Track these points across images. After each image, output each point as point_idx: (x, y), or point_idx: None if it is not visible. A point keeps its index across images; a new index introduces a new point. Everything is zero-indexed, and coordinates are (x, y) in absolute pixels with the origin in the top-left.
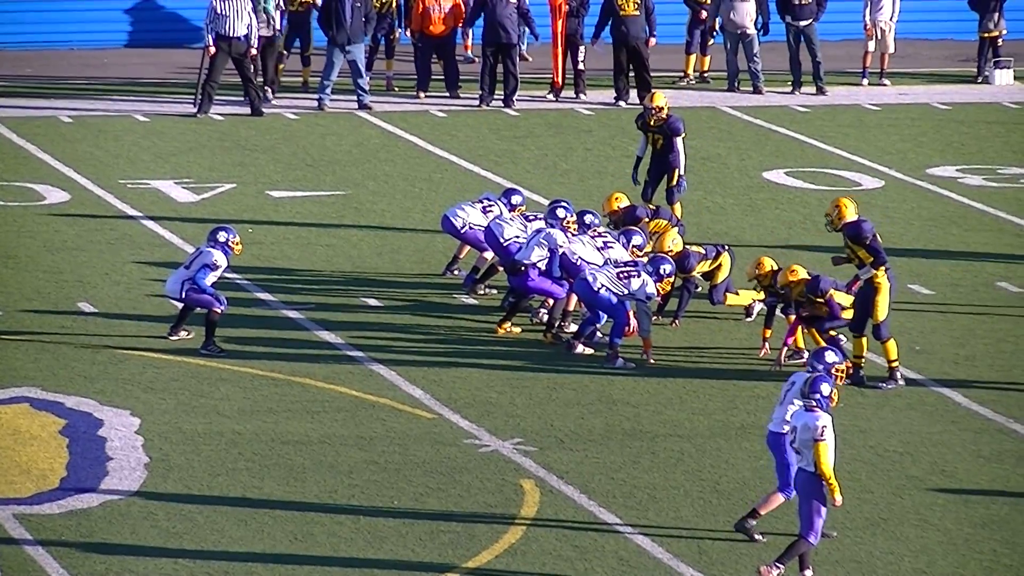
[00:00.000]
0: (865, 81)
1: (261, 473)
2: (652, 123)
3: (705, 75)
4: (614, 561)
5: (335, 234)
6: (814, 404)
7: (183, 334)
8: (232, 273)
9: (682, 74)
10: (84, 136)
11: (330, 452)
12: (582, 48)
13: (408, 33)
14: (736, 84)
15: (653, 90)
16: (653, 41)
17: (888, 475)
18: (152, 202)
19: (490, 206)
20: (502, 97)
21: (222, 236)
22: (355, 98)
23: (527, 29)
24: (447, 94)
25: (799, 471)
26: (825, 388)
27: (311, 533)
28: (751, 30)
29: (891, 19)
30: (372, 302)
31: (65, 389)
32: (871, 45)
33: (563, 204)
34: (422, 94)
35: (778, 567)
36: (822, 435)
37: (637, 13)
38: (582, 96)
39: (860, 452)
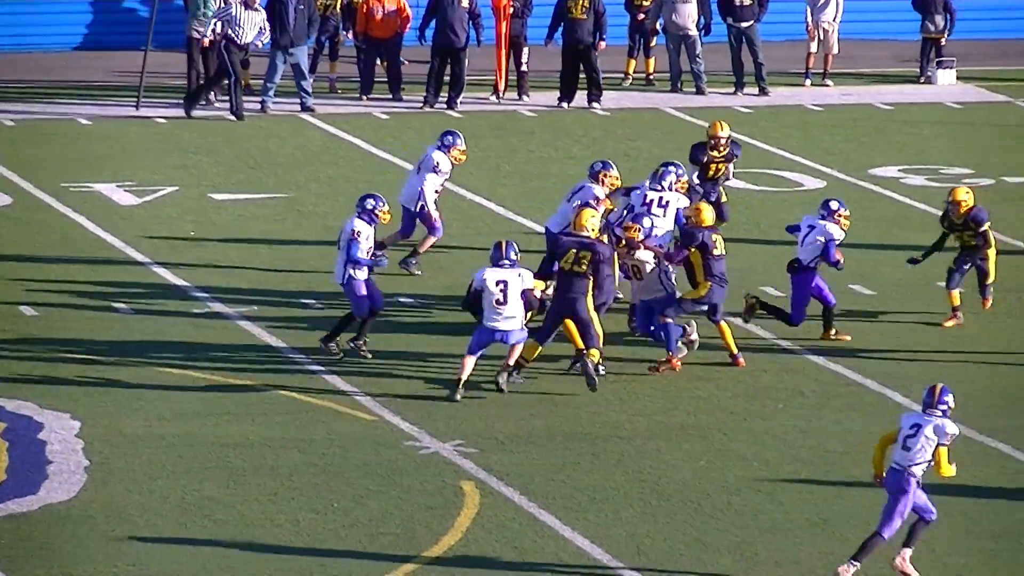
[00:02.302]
0: (808, 82)
1: (201, 476)
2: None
3: (651, 77)
4: (553, 561)
5: (277, 236)
6: (940, 413)
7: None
8: (172, 275)
9: (623, 75)
10: (27, 139)
11: (270, 455)
12: (525, 50)
13: (352, 35)
14: (679, 85)
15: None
16: (603, 44)
17: (829, 475)
18: (94, 205)
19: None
20: (446, 99)
21: (369, 203)
22: (298, 100)
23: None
24: (390, 96)
25: (892, 470)
26: (951, 399)
27: (251, 535)
28: (693, 31)
29: (834, 20)
30: (314, 304)
31: (5, 392)
32: (814, 46)
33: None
34: (364, 97)
35: (855, 564)
36: (950, 441)
37: (584, 17)
38: (525, 98)
39: (801, 452)
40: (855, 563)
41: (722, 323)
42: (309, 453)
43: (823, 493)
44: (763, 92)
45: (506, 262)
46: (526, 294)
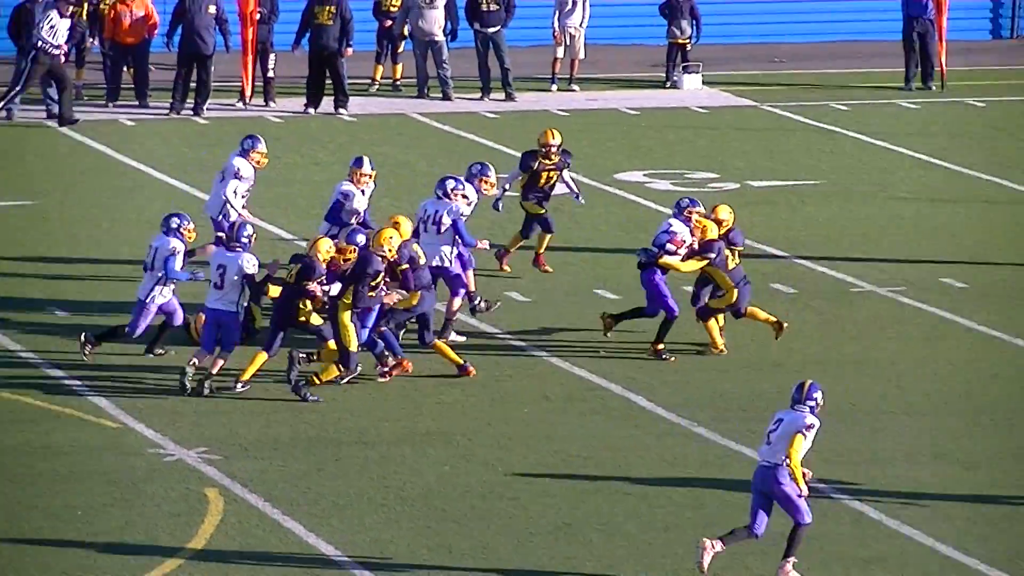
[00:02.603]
0: (554, 87)
1: None
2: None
3: (397, 83)
4: (298, 569)
5: (22, 244)
6: (808, 410)
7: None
8: None
9: (370, 81)
10: None
11: (13, 463)
12: (272, 56)
13: (98, 42)
14: (426, 91)
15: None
16: (350, 51)
17: (572, 480)
18: None
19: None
20: (192, 106)
21: (173, 222)
22: (44, 107)
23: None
24: (137, 103)
25: (760, 468)
26: (820, 396)
27: None
28: (440, 37)
29: (580, 25)
30: (59, 312)
31: None
32: (560, 51)
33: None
34: (111, 104)
35: (790, 559)
36: (807, 431)
37: (331, 23)
38: (272, 104)
39: (544, 457)
40: (789, 559)
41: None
42: (52, 461)
43: (567, 497)
44: (510, 97)
45: (236, 244)
46: (247, 279)
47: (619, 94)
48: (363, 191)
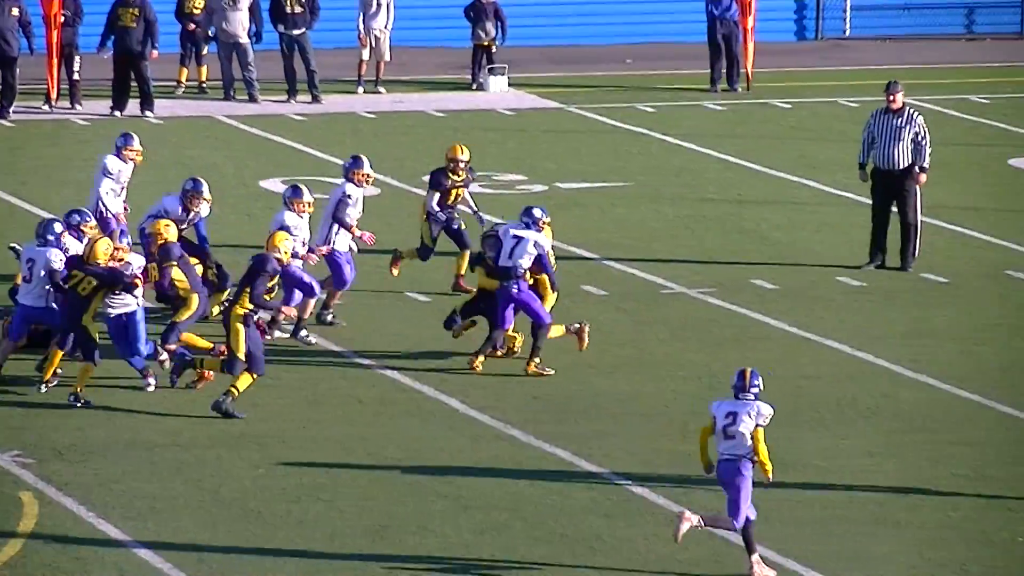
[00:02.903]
0: (360, 89)
1: None
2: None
3: (203, 85)
4: (115, 572)
5: None
6: (752, 397)
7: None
8: None
9: (176, 83)
10: None
11: None
12: (77, 58)
13: None
14: (232, 93)
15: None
16: (155, 53)
17: (387, 482)
18: None
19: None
20: None
21: (58, 227)
22: None
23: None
24: None
25: (722, 461)
26: (760, 381)
27: None
28: (244, 39)
29: (385, 27)
30: None
31: None
32: (365, 53)
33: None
34: None
35: (754, 554)
36: (766, 421)
37: (135, 25)
38: (78, 107)
39: (359, 459)
40: (752, 557)
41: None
42: None
43: (382, 499)
44: (316, 100)
45: (41, 240)
46: (50, 274)
47: (426, 96)
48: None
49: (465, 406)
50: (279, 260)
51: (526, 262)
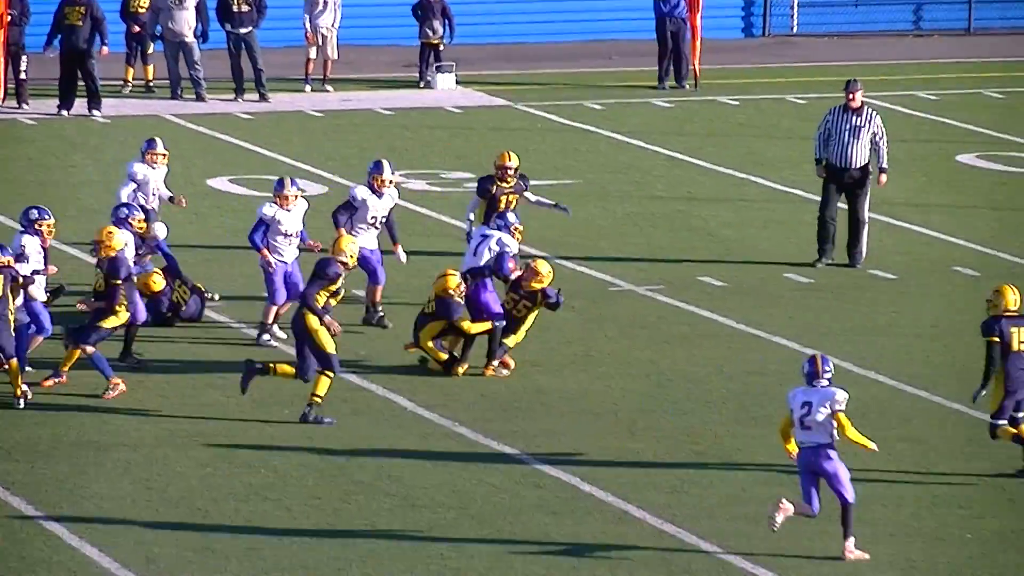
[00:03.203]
0: (308, 88)
1: None
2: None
3: (150, 84)
4: (62, 572)
5: None
6: (825, 383)
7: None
8: None
9: (123, 82)
10: None
11: None
12: (24, 57)
13: None
14: (179, 92)
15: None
16: (106, 50)
17: (335, 481)
18: None
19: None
20: None
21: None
22: None
23: None
24: None
25: (804, 450)
26: (832, 366)
27: None
28: (190, 38)
29: (332, 25)
30: None
31: None
32: (312, 52)
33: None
34: None
35: (850, 539)
36: (843, 406)
37: (81, 24)
38: (25, 106)
39: (307, 458)
40: (849, 539)
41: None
42: None
43: (330, 498)
44: (263, 98)
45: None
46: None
47: (374, 94)
48: (381, 195)
49: (414, 404)
50: (344, 264)
51: (486, 256)
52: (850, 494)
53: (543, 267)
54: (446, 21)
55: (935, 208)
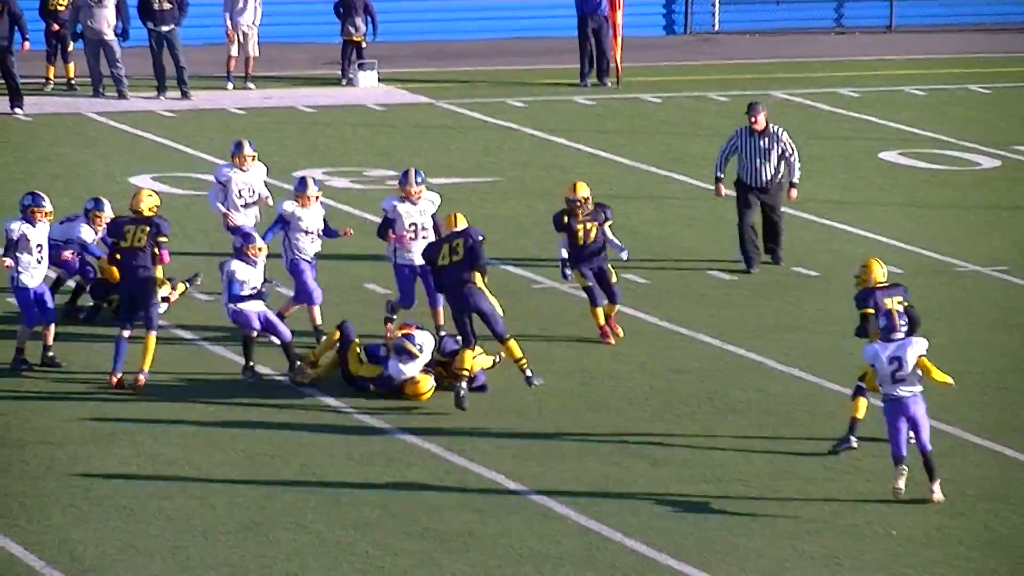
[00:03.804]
0: (230, 85)
1: None
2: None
3: (72, 82)
4: None
5: None
6: (903, 334)
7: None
8: None
9: (44, 80)
10: None
11: None
12: None
13: None
14: (101, 90)
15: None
16: (27, 45)
17: (259, 478)
18: None
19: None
20: None
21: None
22: None
23: None
24: None
25: (898, 401)
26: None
27: None
28: (110, 36)
29: (253, 23)
30: None
31: None
32: (234, 49)
33: None
34: None
35: (936, 482)
36: (925, 350)
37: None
38: None
39: (231, 456)
40: (935, 483)
41: None
42: None
43: (254, 496)
44: (185, 96)
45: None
46: None
47: (295, 92)
48: (415, 202)
49: (338, 402)
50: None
51: None
52: (929, 441)
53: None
54: (368, 18)
55: (858, 205)
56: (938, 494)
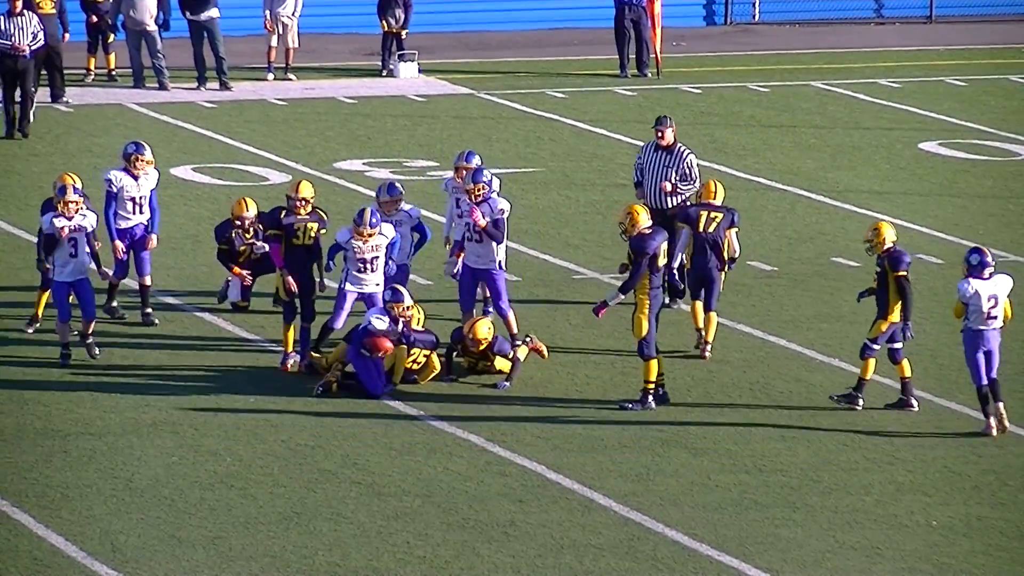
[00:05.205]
0: (270, 76)
1: None
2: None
3: (112, 73)
4: (28, 560)
5: None
6: (992, 271)
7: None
8: None
9: (85, 71)
10: None
11: None
12: None
13: None
14: (141, 81)
15: None
16: (67, 37)
17: (301, 469)
18: None
19: None
20: None
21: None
22: None
23: None
24: None
25: (987, 333)
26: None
27: None
28: (152, 26)
29: (293, 14)
30: None
31: None
32: (274, 40)
33: None
34: None
35: (1001, 402)
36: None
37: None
38: None
39: (272, 447)
40: (999, 404)
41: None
42: None
43: (295, 486)
44: (225, 87)
45: None
46: None
47: (336, 83)
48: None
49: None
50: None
51: None
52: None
53: (481, 329)
54: (405, 9)
55: (897, 196)
56: (1004, 417)
